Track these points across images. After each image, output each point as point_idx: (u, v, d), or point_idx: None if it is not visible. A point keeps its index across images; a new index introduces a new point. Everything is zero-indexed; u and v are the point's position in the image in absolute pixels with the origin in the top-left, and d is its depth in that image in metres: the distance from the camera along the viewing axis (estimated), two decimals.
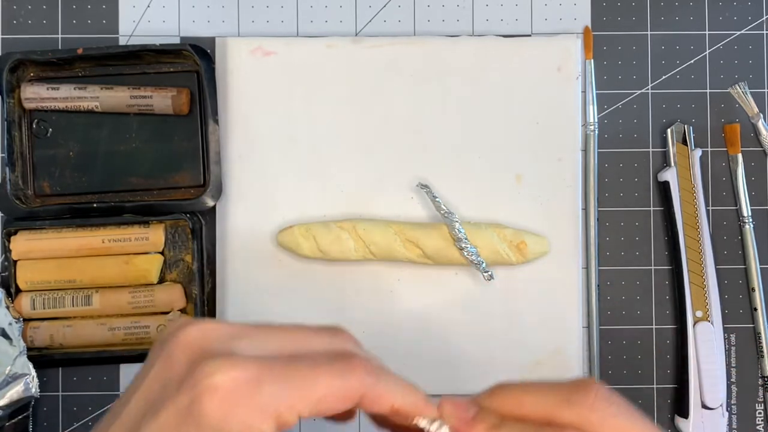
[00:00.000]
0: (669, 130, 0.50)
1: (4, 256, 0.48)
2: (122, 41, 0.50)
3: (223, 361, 0.28)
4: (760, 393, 0.49)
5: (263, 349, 0.30)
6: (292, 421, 0.28)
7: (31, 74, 0.49)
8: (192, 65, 0.49)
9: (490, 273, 0.47)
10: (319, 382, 0.28)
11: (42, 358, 0.47)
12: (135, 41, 0.50)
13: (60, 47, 0.50)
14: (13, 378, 0.46)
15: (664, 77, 0.50)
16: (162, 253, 0.48)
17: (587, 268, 0.49)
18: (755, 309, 0.49)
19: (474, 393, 0.48)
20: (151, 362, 0.30)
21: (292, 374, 0.29)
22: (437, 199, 0.47)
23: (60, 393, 0.49)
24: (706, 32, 0.51)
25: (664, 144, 0.50)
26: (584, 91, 0.49)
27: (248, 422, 0.27)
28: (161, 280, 0.48)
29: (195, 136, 0.49)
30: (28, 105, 0.48)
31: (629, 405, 0.30)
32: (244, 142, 0.49)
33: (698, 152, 0.49)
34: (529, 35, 0.50)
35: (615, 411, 0.30)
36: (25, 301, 0.47)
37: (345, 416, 0.34)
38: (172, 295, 0.47)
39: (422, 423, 0.30)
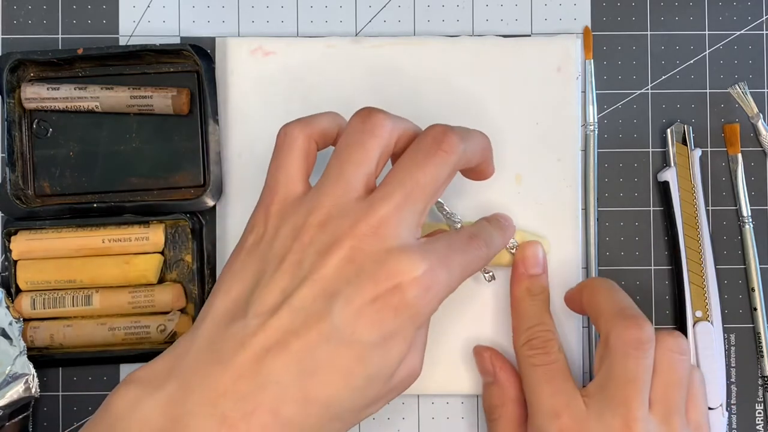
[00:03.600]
0: (669, 130, 0.50)
1: (4, 256, 0.48)
2: (122, 41, 0.50)
3: (411, 251, 0.33)
4: (760, 393, 0.49)
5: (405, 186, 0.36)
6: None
7: (32, 74, 0.49)
8: (192, 65, 0.49)
9: (491, 273, 0.47)
10: (438, 177, 0.37)
11: (42, 358, 0.47)
12: (135, 41, 0.50)
13: (60, 47, 0.50)
14: (13, 378, 0.46)
15: (663, 77, 0.50)
16: (162, 253, 0.48)
17: (587, 268, 0.49)
18: (755, 309, 0.49)
19: (475, 394, 0.48)
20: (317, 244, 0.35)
21: (463, 244, 0.38)
22: (437, 200, 0.47)
23: (60, 393, 0.49)
24: (706, 32, 0.51)
25: (664, 144, 0.50)
26: (584, 91, 0.49)
27: (441, 298, 0.34)
28: (161, 280, 0.48)
29: (195, 136, 0.49)
30: (28, 105, 0.48)
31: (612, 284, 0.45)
32: (244, 142, 0.49)
33: (698, 152, 0.49)
34: (529, 35, 0.50)
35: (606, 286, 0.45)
36: (25, 301, 0.47)
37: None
38: (172, 295, 0.47)
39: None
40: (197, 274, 0.48)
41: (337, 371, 0.31)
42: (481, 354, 0.46)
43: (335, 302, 0.31)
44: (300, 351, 0.31)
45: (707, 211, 0.50)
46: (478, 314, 0.48)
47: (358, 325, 0.31)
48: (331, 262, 0.32)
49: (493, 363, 0.45)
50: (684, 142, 0.50)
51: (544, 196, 0.49)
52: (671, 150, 0.49)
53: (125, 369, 0.49)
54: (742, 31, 0.51)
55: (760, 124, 0.50)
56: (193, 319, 0.48)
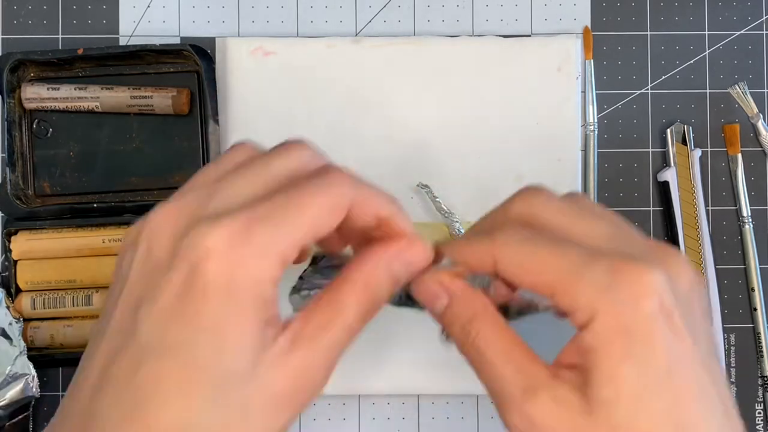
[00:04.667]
0: (669, 130, 0.50)
1: (4, 256, 0.48)
2: (122, 41, 0.50)
3: (206, 223, 0.25)
4: (760, 393, 0.49)
5: (238, 196, 0.27)
6: (293, 256, 0.27)
7: (32, 74, 0.49)
8: (192, 65, 0.49)
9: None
10: (306, 204, 0.27)
11: (42, 358, 0.47)
12: (135, 41, 0.50)
13: (60, 47, 0.50)
14: (14, 378, 0.46)
15: (663, 77, 0.50)
16: None
17: None
18: (755, 309, 0.49)
19: (475, 393, 0.48)
20: (126, 261, 0.27)
21: (279, 208, 0.26)
22: (437, 199, 0.47)
23: (60, 393, 0.49)
24: (706, 32, 0.51)
25: (664, 144, 0.50)
26: (584, 91, 0.49)
27: (256, 273, 0.26)
28: None
29: (195, 136, 0.49)
30: (28, 105, 0.48)
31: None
32: None
33: (698, 152, 0.49)
34: (529, 35, 0.50)
35: (551, 196, 0.29)
36: (25, 301, 0.47)
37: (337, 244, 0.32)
38: None
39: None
40: None
41: (168, 390, 0.25)
42: (422, 282, 0.31)
43: (139, 313, 0.26)
44: (118, 382, 0.25)
45: (707, 211, 0.50)
46: None
47: (170, 330, 0.25)
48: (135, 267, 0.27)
49: (439, 281, 0.30)
50: (684, 142, 0.50)
51: None
52: (671, 150, 0.49)
53: None
54: (742, 32, 0.51)
55: (760, 124, 0.50)
56: None
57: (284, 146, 0.30)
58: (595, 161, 0.49)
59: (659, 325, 0.25)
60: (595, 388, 0.25)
